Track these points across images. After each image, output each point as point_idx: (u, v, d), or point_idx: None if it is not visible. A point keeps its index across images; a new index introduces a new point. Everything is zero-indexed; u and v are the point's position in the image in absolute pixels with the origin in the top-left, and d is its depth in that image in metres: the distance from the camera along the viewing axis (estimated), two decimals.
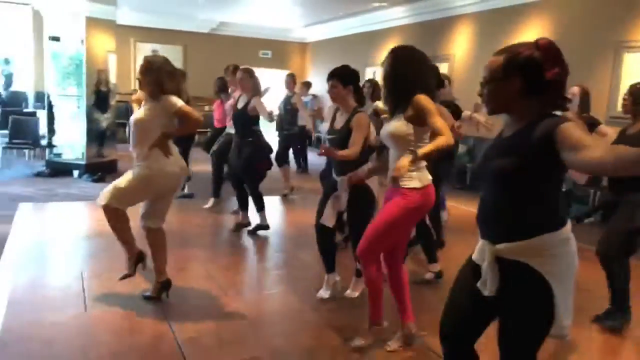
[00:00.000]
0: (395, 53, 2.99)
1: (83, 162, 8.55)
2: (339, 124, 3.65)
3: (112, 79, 9.38)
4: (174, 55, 14.38)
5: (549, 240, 1.80)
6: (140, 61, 13.71)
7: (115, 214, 3.52)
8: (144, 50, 14.15)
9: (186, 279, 4.15)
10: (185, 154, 6.72)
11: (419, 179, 2.94)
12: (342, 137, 3.57)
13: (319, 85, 10.73)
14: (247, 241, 5.47)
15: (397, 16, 11.52)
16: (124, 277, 3.71)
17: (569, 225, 1.86)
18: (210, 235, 5.53)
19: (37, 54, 12.73)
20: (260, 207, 5.61)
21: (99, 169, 8.35)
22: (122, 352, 3.00)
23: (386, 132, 3.01)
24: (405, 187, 2.90)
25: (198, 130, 7.54)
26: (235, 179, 5.70)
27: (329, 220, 3.75)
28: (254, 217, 5.72)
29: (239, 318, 3.55)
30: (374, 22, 12.32)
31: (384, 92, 3.06)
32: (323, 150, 3.40)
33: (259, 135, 5.47)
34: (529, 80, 1.80)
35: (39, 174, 8.30)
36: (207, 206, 6.56)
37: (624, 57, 7.07)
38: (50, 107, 8.92)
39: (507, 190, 1.85)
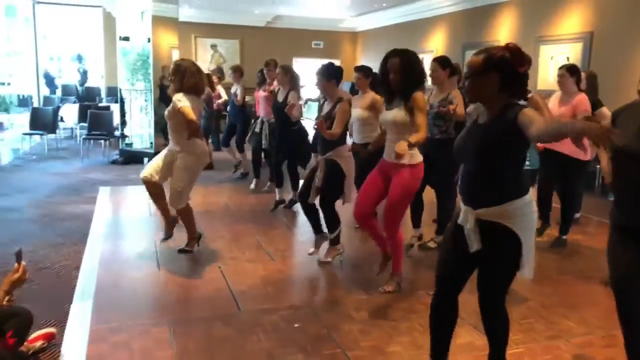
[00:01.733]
0: (404, 57, 3.58)
1: (152, 151, 9.37)
2: (325, 111, 4.32)
3: None
4: (232, 48, 15.24)
5: (518, 204, 2.34)
6: (200, 56, 14.57)
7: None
8: (204, 44, 14.99)
9: (240, 247, 4.87)
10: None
11: (413, 158, 3.61)
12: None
13: None
14: (291, 218, 6.16)
15: (443, 4, 11.86)
16: (165, 239, 4.68)
17: (531, 191, 2.41)
18: (261, 213, 6.22)
19: (108, 52, 13.84)
20: (296, 186, 6.27)
21: None
22: (187, 300, 3.76)
23: (390, 118, 3.63)
24: (408, 164, 3.59)
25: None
26: (276, 164, 6.40)
27: (312, 198, 4.45)
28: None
29: (281, 277, 4.25)
30: (421, 11, 12.70)
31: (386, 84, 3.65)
32: (318, 123, 4.07)
33: (299, 123, 6.13)
34: (505, 74, 2.28)
35: (114, 162, 9.28)
36: (251, 186, 7.31)
37: None
38: (122, 101, 9.89)
39: (486, 166, 2.36)
